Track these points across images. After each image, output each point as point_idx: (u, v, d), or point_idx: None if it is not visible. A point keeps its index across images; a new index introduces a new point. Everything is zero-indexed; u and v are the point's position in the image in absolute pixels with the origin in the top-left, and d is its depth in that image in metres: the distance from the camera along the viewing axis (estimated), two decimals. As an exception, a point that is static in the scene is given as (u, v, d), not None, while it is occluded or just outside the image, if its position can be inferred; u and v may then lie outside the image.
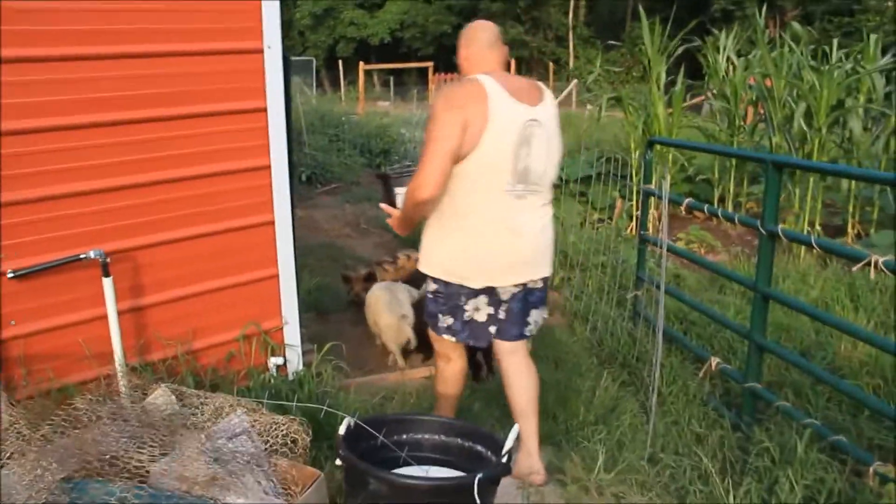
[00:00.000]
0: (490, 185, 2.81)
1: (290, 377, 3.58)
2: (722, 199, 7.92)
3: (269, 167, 3.33)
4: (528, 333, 3.15)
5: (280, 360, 3.55)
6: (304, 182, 9.81)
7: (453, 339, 3.05)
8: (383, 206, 3.24)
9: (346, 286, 5.50)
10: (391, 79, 26.57)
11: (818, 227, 6.76)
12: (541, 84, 3.01)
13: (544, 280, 3.11)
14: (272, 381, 3.43)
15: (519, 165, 2.81)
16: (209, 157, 3.19)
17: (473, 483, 2.30)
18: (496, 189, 2.81)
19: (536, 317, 3.16)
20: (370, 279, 5.30)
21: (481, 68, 2.89)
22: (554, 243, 3.11)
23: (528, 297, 3.08)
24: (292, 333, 3.60)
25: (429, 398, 3.98)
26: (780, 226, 3.28)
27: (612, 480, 3.10)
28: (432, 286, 3.03)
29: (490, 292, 2.97)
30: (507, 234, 2.87)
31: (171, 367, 3.22)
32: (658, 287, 3.51)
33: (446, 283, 2.96)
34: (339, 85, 28.87)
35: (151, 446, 2.37)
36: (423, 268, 3.03)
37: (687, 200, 3.97)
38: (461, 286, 2.93)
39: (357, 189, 9.72)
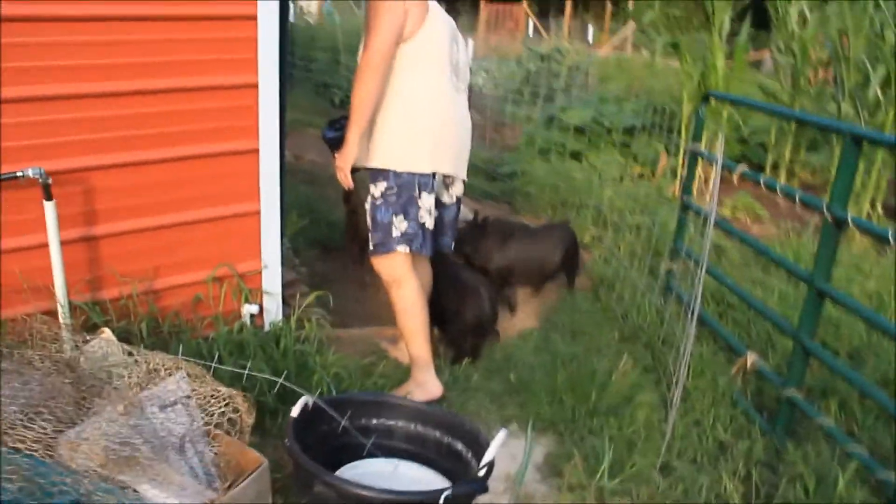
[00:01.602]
0: (433, 70, 2.95)
1: (266, 328, 3.17)
2: (775, 166, 7.27)
3: (255, 85, 2.85)
4: (449, 245, 3.46)
5: (255, 309, 3.13)
6: (336, 105, 9.38)
7: (408, 249, 3.05)
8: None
9: (346, 206, 4.90)
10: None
11: (879, 209, 6.14)
12: None
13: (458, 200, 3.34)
14: (243, 331, 3.02)
15: (453, 57, 3.02)
16: (183, 68, 2.72)
17: (438, 500, 1.87)
18: (438, 74, 2.97)
19: (455, 228, 3.48)
20: None
21: None
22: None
23: (458, 205, 3.38)
24: (272, 279, 3.17)
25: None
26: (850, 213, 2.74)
27: (615, 488, 2.68)
28: (381, 186, 3.01)
29: (433, 190, 3.08)
30: (450, 121, 3.03)
31: (125, 308, 2.81)
32: (697, 263, 3.02)
33: (397, 175, 2.98)
34: None
35: (64, 410, 1.97)
36: (374, 163, 3.00)
37: (740, 168, 3.43)
38: (411, 174, 2.97)
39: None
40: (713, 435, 3.00)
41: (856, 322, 3.92)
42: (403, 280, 3.11)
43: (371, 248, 3.12)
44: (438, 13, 2.99)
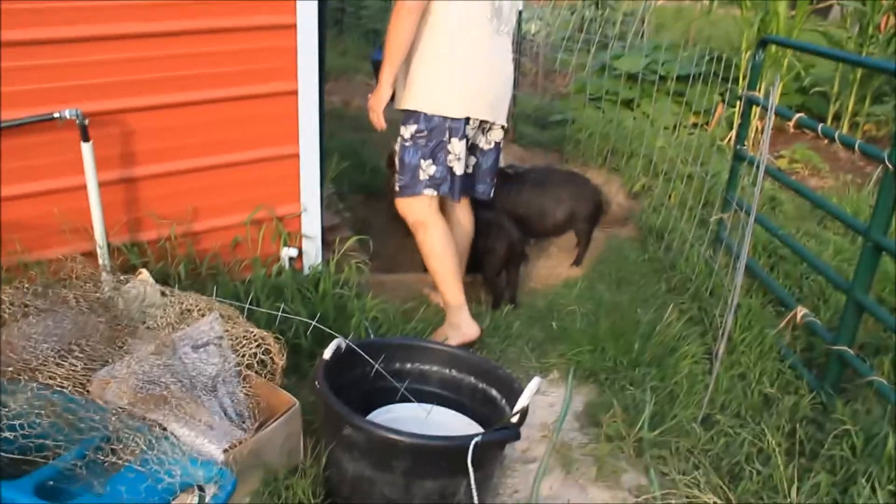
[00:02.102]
0: (471, 11, 2.83)
1: (306, 272, 3.16)
2: (837, 117, 6.97)
3: (293, 26, 2.79)
4: (489, 193, 3.35)
5: (294, 252, 3.12)
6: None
7: (434, 192, 3.01)
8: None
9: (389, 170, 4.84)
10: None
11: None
12: None
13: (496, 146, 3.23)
14: (281, 274, 3.02)
15: (495, 1, 2.87)
16: (221, 8, 2.67)
17: (468, 448, 1.84)
18: (478, 17, 2.84)
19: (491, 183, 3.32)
20: None
21: None
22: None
23: (498, 152, 3.26)
24: (311, 223, 3.15)
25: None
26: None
27: (654, 440, 2.62)
28: (411, 129, 2.95)
29: (465, 136, 2.99)
30: (487, 65, 2.93)
31: (163, 249, 2.82)
32: (748, 213, 2.90)
33: (428, 118, 2.91)
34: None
35: (94, 349, 1.98)
36: (406, 104, 2.94)
37: (797, 115, 3.27)
38: (444, 118, 2.90)
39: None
40: (758, 389, 2.91)
41: (916, 278, 3.76)
42: (429, 223, 3.05)
43: (397, 189, 3.06)
44: None
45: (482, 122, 3.06)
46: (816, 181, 5.82)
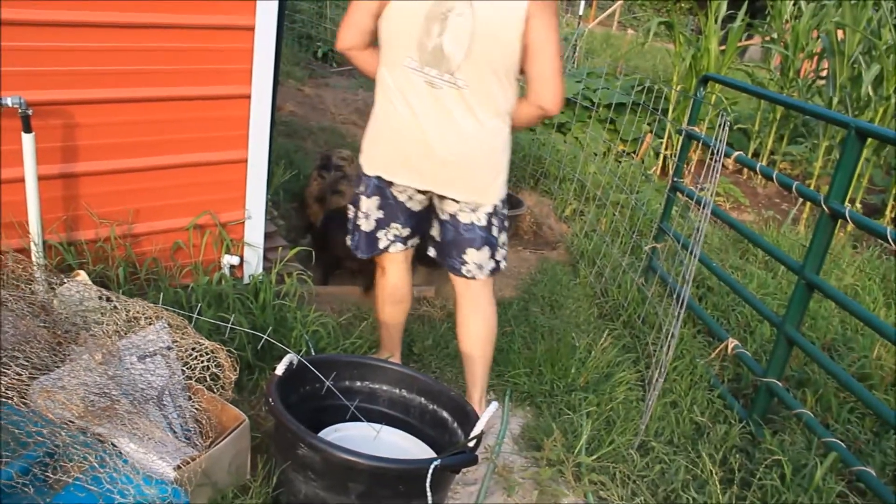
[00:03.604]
0: (394, 55, 2.47)
1: (246, 281, 3.08)
2: (756, 154, 7.29)
3: (252, 28, 2.73)
4: (466, 273, 2.69)
5: (236, 260, 3.04)
6: (318, 58, 9.17)
7: (349, 241, 2.77)
8: None
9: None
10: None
11: (858, 205, 6.17)
12: None
13: (488, 216, 2.61)
14: (222, 282, 2.93)
15: (428, 42, 2.40)
16: (177, 5, 2.59)
17: (427, 470, 1.83)
18: (399, 61, 2.45)
19: (476, 258, 2.66)
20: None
21: None
22: (502, 168, 2.59)
23: (457, 227, 2.63)
24: (255, 230, 3.08)
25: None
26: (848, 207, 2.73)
27: (593, 465, 2.66)
28: None
29: (382, 193, 2.63)
30: (410, 120, 2.48)
31: (101, 251, 2.70)
32: (686, 249, 2.98)
33: (359, 165, 2.68)
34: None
35: (39, 356, 1.87)
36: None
37: (736, 154, 3.40)
38: (362, 171, 2.65)
39: (375, 75, 9.03)
40: (690, 417, 2.99)
41: (832, 316, 3.94)
42: (379, 268, 2.86)
43: None
44: None
45: (427, 190, 2.60)
46: (737, 214, 6.04)
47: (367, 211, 2.66)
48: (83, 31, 2.46)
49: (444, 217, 2.64)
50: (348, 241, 2.76)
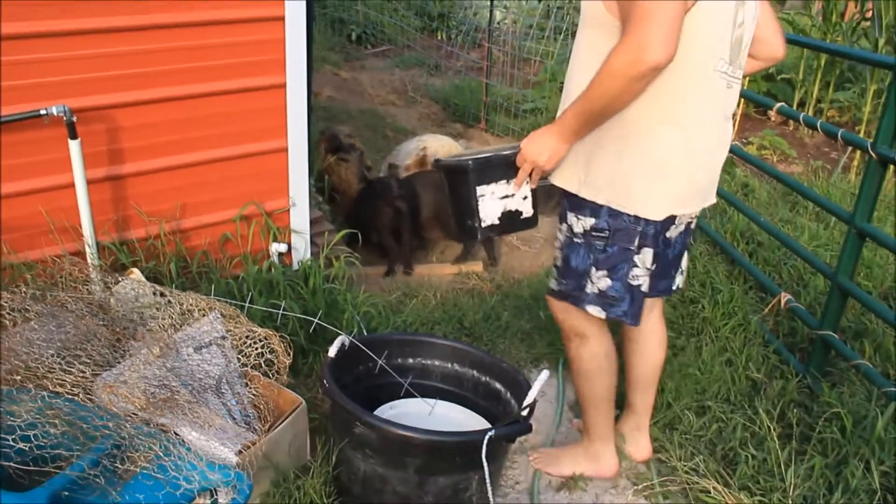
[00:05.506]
0: (702, 62, 1.89)
1: (295, 267, 3.14)
2: (802, 103, 7.10)
3: (282, 18, 2.76)
4: (675, 286, 2.35)
5: (284, 248, 3.10)
6: (353, 41, 9.20)
7: (603, 314, 2.14)
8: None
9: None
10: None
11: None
12: None
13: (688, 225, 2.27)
14: (272, 270, 2.99)
15: (735, 33, 1.92)
16: (206, 2, 2.63)
17: (482, 441, 1.85)
18: (707, 68, 1.90)
19: (686, 263, 2.36)
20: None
21: None
22: None
23: (685, 236, 2.25)
24: (300, 217, 3.13)
25: (453, 299, 3.54)
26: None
27: (652, 432, 2.66)
28: (584, 222, 2.07)
29: (657, 239, 2.08)
30: (713, 140, 2.01)
31: (152, 248, 2.78)
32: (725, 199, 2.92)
33: (615, 215, 2.02)
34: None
35: (100, 353, 1.94)
36: (584, 191, 2.04)
37: (778, 105, 3.32)
38: (636, 218, 2.01)
39: (409, 54, 9.03)
40: (745, 374, 2.97)
41: (888, 264, 3.85)
42: (590, 336, 2.26)
43: (551, 287, 2.26)
44: None
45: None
46: (785, 167, 5.92)
47: (650, 265, 2.10)
48: (119, 36, 2.52)
49: (679, 230, 2.20)
50: (593, 311, 2.14)
